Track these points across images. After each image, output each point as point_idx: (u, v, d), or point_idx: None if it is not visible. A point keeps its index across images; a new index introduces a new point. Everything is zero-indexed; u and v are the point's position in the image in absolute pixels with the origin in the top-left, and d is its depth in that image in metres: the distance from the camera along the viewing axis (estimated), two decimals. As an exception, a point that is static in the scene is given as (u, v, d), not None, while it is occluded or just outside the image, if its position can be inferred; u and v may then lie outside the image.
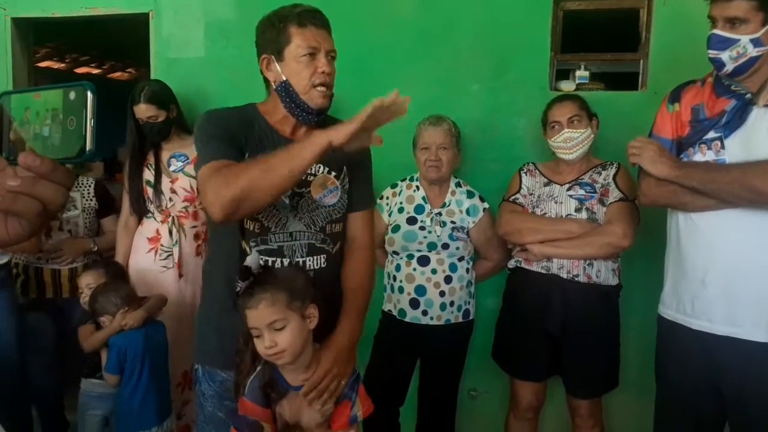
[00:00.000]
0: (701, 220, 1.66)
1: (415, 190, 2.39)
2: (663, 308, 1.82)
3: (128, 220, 2.62)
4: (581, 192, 2.15)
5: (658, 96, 2.14)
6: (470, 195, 2.38)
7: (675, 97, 1.78)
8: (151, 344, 2.18)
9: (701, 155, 1.67)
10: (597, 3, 2.56)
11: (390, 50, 2.65)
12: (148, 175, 2.58)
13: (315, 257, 1.55)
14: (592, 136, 2.19)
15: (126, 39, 3.85)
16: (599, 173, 2.18)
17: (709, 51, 1.63)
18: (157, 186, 2.56)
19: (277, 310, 1.34)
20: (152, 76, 2.79)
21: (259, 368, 1.43)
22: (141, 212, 2.59)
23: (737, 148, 1.60)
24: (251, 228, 1.51)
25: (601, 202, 2.12)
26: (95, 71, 5.95)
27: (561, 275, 2.11)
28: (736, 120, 1.61)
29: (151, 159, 2.59)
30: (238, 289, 1.37)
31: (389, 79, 2.66)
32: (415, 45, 2.64)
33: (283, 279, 1.39)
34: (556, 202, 2.17)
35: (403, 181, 2.44)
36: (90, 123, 0.56)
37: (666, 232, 1.87)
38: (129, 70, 6.09)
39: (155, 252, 2.55)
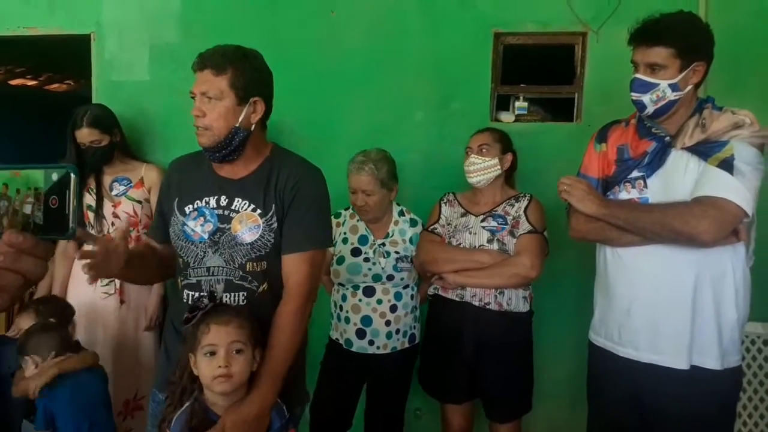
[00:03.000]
0: (626, 255, 1.77)
1: (358, 220, 2.39)
2: (593, 334, 1.92)
3: (67, 246, 2.56)
4: (494, 224, 2.23)
5: (591, 128, 2.24)
6: (413, 223, 2.42)
7: (602, 137, 1.89)
8: (87, 395, 2.00)
9: (626, 193, 1.78)
10: (535, 38, 2.68)
11: (336, 76, 2.70)
12: (89, 199, 2.53)
13: (233, 294, 1.55)
14: (499, 168, 2.25)
15: (66, 56, 3.74)
16: (512, 205, 2.26)
17: (632, 94, 1.74)
18: (98, 211, 2.51)
19: (243, 334, 1.43)
20: (94, 99, 2.74)
21: (187, 404, 1.44)
22: (81, 238, 2.53)
23: (658, 187, 1.72)
24: (180, 264, 1.61)
25: (512, 233, 2.19)
26: (31, 83, 5.73)
27: (474, 303, 2.18)
28: (657, 161, 1.73)
29: (92, 183, 2.54)
30: (203, 307, 1.43)
31: (335, 105, 2.71)
32: (361, 72, 2.69)
33: (250, 315, 1.49)
34: (470, 233, 2.24)
35: (346, 210, 2.42)
36: (73, 203, 0.60)
37: (593, 261, 1.97)
38: (67, 81, 5.88)
39: (96, 279, 2.49)
